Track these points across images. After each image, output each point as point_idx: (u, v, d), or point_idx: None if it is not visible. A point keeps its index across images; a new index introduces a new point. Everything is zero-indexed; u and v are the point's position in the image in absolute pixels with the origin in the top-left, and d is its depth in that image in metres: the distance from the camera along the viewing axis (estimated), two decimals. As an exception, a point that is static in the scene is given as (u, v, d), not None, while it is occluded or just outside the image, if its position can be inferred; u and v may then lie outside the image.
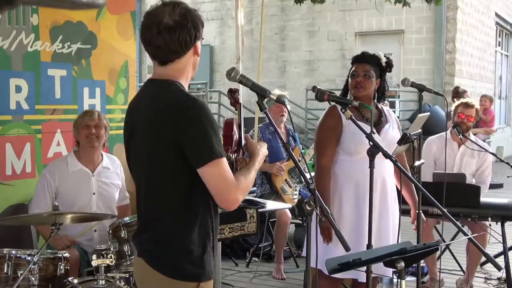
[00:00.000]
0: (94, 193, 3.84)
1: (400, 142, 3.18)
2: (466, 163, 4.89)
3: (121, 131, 2.31)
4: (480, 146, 4.88)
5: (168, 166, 2.07)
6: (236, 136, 2.36)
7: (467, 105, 4.91)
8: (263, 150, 2.32)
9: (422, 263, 4.65)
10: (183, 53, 2.11)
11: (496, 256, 5.07)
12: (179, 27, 2.06)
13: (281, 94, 5.03)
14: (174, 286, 2.08)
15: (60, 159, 3.99)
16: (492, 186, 9.25)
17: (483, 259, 5.00)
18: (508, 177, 5.17)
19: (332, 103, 3.19)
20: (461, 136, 4.81)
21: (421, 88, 3.71)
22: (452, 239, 5.39)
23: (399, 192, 3.41)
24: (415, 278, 3.54)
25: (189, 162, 2.03)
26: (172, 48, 2.08)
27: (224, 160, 2.04)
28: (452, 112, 5.00)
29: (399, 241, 3.15)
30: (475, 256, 4.62)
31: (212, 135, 2.02)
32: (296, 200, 5.46)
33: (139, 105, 2.20)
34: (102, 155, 3.94)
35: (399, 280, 2.10)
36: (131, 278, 3.23)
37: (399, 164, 2.70)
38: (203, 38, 2.18)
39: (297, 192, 5.46)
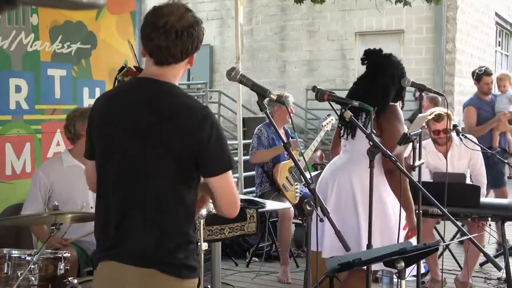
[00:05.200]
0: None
1: (400, 142, 3.18)
2: (458, 167, 4.83)
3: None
4: (472, 146, 4.84)
5: (177, 172, 2.03)
6: None
7: (437, 118, 4.73)
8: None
9: (423, 263, 4.64)
10: (181, 60, 2.08)
11: (496, 256, 5.07)
12: (186, 33, 2.03)
13: (287, 95, 5.18)
14: (187, 285, 2.08)
15: (54, 158, 3.97)
16: (492, 186, 9.28)
17: (483, 259, 5.01)
18: (508, 177, 5.19)
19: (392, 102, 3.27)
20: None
21: (421, 88, 3.71)
22: (452, 239, 5.39)
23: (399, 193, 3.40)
24: (415, 278, 3.53)
25: (202, 170, 2.04)
26: (173, 52, 2.04)
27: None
28: (426, 126, 4.83)
29: (399, 241, 3.15)
30: (473, 255, 4.62)
31: (227, 144, 2.07)
32: (298, 197, 5.45)
33: (132, 99, 2.09)
34: None
35: (399, 280, 2.10)
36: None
37: (399, 164, 2.70)
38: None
39: (298, 190, 5.45)
